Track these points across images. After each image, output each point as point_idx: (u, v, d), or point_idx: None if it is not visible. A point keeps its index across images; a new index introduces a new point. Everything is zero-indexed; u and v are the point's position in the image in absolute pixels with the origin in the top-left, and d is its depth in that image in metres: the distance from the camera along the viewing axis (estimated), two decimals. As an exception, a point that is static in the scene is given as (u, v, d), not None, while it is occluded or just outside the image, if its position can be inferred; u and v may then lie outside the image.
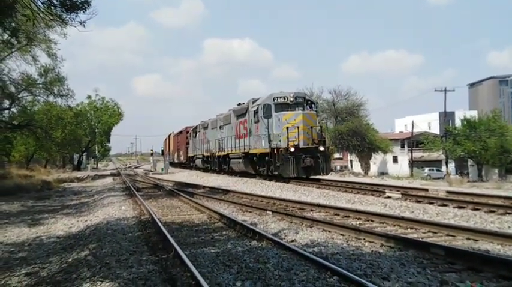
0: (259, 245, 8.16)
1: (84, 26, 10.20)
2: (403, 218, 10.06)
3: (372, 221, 10.40)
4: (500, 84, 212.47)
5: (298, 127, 21.41)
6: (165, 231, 9.22)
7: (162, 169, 46.11)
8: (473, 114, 63.22)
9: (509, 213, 10.81)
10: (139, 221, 11.93)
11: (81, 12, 10.14)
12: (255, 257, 7.22)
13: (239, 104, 28.67)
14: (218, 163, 33.31)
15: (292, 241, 8.50)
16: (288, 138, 21.33)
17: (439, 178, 44.47)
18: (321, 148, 21.54)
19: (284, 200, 14.73)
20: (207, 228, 10.44)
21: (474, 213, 10.95)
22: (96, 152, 78.09)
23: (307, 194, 16.85)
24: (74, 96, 34.81)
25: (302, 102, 23.43)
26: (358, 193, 16.08)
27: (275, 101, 23.06)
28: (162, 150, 68.61)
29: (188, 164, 47.41)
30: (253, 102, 25.18)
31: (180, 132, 52.39)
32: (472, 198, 13.78)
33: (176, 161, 55.10)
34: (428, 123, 78.79)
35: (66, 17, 10.21)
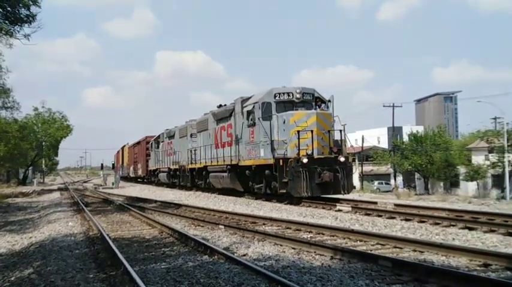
0: (211, 260, 8.09)
1: (28, 39, 9.99)
2: (352, 231, 10.24)
3: (323, 234, 10.52)
4: (445, 101, 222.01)
5: (312, 131, 16.74)
6: (113, 247, 9.00)
7: (113, 184, 45.07)
8: (419, 129, 65.53)
9: (453, 225, 11.23)
10: (87, 237, 11.60)
11: (26, 25, 9.93)
12: (206, 272, 7.16)
13: (220, 106, 23.78)
14: (190, 178, 28.22)
15: (244, 255, 8.48)
16: (298, 146, 16.67)
17: (388, 191, 45.67)
18: (341, 159, 16.91)
19: (237, 214, 14.70)
20: (157, 243, 10.27)
21: (420, 225, 11.29)
22: (43, 166, 75.52)
23: (259, 208, 16.89)
24: (20, 108, 33.81)
25: (310, 100, 18.59)
26: (309, 206, 16.27)
27: (277, 98, 18.26)
28: (113, 164, 67.09)
29: (149, 179, 42.40)
30: (242, 101, 20.29)
31: (138, 143, 47.47)
32: (419, 211, 14.22)
33: (132, 175, 50.66)
34: (378, 137, 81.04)
35: (10, 29, 9.97)
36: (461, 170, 50.83)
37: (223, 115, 22.70)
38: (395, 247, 8.75)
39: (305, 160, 16.24)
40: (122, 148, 59.51)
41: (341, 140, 17.81)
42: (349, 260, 7.63)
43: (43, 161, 70.83)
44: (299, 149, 16.58)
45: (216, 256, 8.26)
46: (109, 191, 35.31)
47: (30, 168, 64.12)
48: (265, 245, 9.30)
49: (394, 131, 63.29)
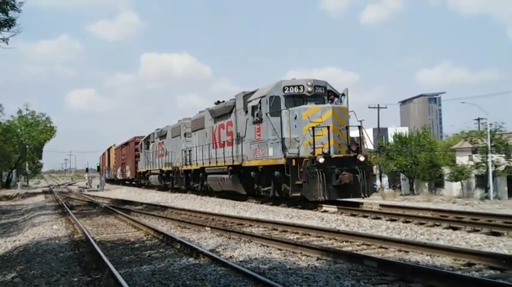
0: (197, 262, 8.07)
1: (7, 42, 9.93)
2: (338, 232, 10.29)
3: (309, 235, 10.54)
4: (429, 102, 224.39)
5: (328, 127, 15.36)
6: (98, 250, 8.93)
7: (98, 186, 44.70)
8: (404, 130, 66.04)
9: (437, 225, 11.33)
10: (71, 240, 11.49)
11: (5, 29, 9.87)
12: (192, 274, 7.13)
13: (218, 102, 22.14)
14: (185, 180, 26.54)
15: (230, 257, 8.47)
16: (313, 144, 15.14)
17: (373, 192, 45.84)
18: (361, 158, 15.48)
19: (223, 215, 14.68)
20: (143, 246, 10.21)
21: (405, 225, 11.37)
22: (27, 169, 74.62)
23: (246, 209, 16.88)
24: (2, 111, 33.31)
25: (322, 93, 17.07)
26: (296, 207, 16.29)
27: (286, 91, 16.64)
28: (98, 166, 66.46)
29: (138, 181, 40.39)
30: (245, 97, 18.67)
31: (126, 143, 45.37)
32: (404, 211, 14.33)
33: (120, 177, 48.69)
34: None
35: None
36: (446, 170, 51.29)
37: (222, 112, 21.11)
38: (380, 247, 8.80)
39: (321, 160, 14.74)
40: (108, 150, 58.27)
41: (359, 137, 16.57)
42: (335, 260, 7.65)
43: (27, 164, 69.99)
44: (314, 148, 15.07)
45: (202, 258, 8.23)
46: (94, 194, 35.02)
47: (14, 171, 63.28)
48: (252, 247, 9.29)
49: (380, 132, 63.73)
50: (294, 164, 15.12)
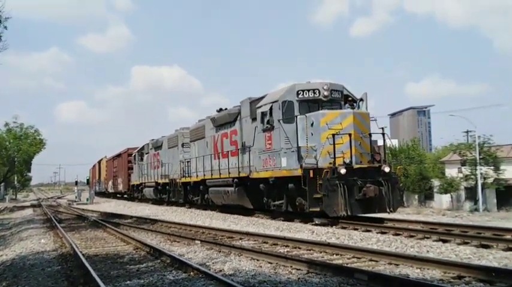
0: (187, 276, 8.00)
1: None
2: (328, 245, 10.27)
3: (300, 248, 10.52)
4: (418, 115, 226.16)
5: (349, 134, 14.07)
6: (87, 264, 8.82)
7: (87, 199, 44.32)
8: (394, 142, 66.36)
9: (427, 237, 11.36)
10: (60, 254, 11.34)
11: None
12: (181, 288, 7.06)
13: (220, 110, 20.91)
14: (184, 193, 25.15)
15: (220, 270, 8.41)
16: (334, 153, 13.90)
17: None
18: (386, 169, 14.28)
19: (213, 229, 14.61)
20: (132, 260, 10.10)
21: (395, 238, 11.38)
22: (16, 182, 73.89)
23: (236, 222, 16.82)
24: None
25: (339, 98, 15.83)
26: (286, 220, 16.24)
27: (300, 96, 15.36)
28: (88, 179, 65.91)
29: (131, 194, 38.97)
30: (252, 103, 17.50)
31: (119, 155, 43.99)
32: (394, 223, 14.34)
33: (111, 190, 47.27)
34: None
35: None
36: (436, 182, 51.54)
37: (226, 120, 19.89)
38: (371, 260, 8.79)
39: (343, 171, 13.49)
40: (99, 162, 57.31)
41: (383, 145, 15.45)
42: (326, 274, 7.63)
43: (15, 177, 69.35)
44: (334, 157, 13.85)
45: (191, 272, 8.16)
46: (83, 207, 34.71)
47: (2, 184, 62.61)
48: (242, 260, 9.24)
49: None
50: (311, 175, 13.81)
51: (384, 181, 14.03)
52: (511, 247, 9.52)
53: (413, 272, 7.74)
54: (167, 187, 28.17)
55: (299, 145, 14.70)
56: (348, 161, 14.00)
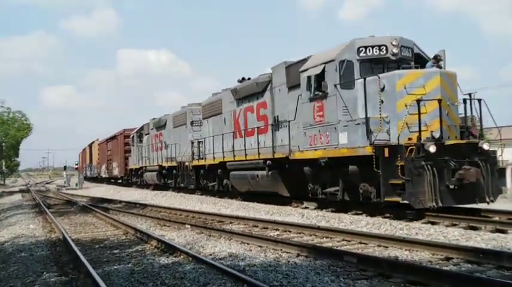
0: (176, 260, 7.99)
1: None
2: (319, 228, 10.30)
3: (290, 231, 10.54)
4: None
5: (439, 101, 11.01)
6: (76, 249, 8.79)
7: (77, 184, 44.15)
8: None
9: (416, 220, 11.41)
10: (48, 239, 11.31)
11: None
12: (171, 272, 7.05)
13: (243, 80, 17.91)
14: (196, 178, 22.22)
15: (210, 254, 8.41)
16: (419, 125, 10.80)
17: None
18: (485, 146, 11.23)
19: (203, 213, 14.61)
20: (122, 244, 10.08)
21: (385, 221, 11.41)
22: (3, 167, 73.24)
23: (226, 206, 16.82)
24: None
25: (409, 58, 12.58)
26: (277, 204, 16.26)
27: (362, 54, 12.16)
28: (77, 163, 65.45)
29: (129, 179, 35.85)
30: (288, 68, 14.61)
31: (113, 137, 40.51)
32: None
33: (105, 175, 44.30)
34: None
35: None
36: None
37: (251, 91, 16.89)
38: (360, 243, 8.83)
39: (432, 148, 10.43)
40: (90, 145, 55.28)
41: (479, 118, 12.08)
42: (315, 257, 7.65)
43: (3, 162, 68.71)
44: (420, 130, 10.78)
45: (181, 256, 8.16)
46: (72, 192, 34.57)
47: (-10, 170, 62.13)
48: (232, 244, 9.25)
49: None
50: (387, 154, 10.77)
51: (482, 162, 11.01)
52: (499, 228, 9.61)
53: (402, 254, 7.79)
54: (174, 171, 25.16)
55: (368, 116, 11.41)
56: (437, 135, 11.07)
